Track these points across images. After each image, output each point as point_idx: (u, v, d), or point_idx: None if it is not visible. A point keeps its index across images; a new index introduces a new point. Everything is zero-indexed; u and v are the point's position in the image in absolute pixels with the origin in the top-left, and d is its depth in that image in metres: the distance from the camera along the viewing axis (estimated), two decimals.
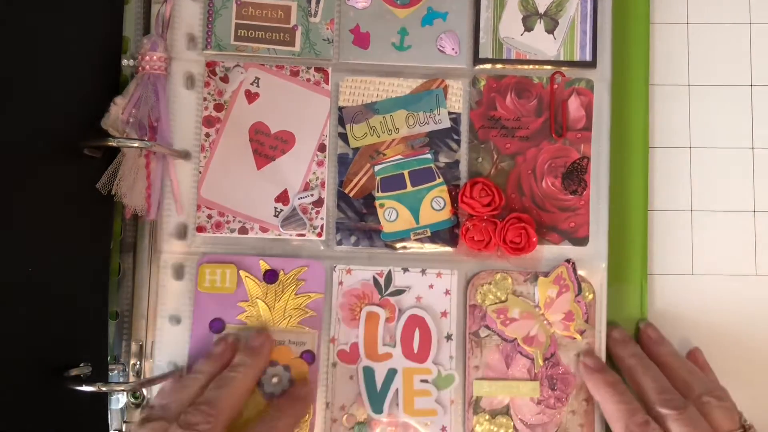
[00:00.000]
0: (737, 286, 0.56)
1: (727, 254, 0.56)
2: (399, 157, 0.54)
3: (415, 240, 0.54)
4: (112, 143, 0.47)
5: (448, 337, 0.53)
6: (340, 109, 0.54)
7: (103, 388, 0.47)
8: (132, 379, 0.52)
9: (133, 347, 0.52)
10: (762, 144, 0.57)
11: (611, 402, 0.49)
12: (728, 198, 0.56)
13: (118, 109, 0.49)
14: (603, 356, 0.53)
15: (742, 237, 0.56)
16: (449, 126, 0.54)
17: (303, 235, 0.53)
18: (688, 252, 0.56)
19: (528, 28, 0.55)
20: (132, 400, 0.52)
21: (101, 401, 0.52)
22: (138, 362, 0.52)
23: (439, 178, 0.54)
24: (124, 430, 0.52)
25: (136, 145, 0.48)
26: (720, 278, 0.56)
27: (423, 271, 0.53)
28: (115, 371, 0.52)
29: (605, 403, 0.50)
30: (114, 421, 0.52)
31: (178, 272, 0.53)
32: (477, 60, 0.55)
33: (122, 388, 0.47)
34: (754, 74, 0.57)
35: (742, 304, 0.56)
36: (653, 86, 0.57)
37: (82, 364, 0.50)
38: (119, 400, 0.53)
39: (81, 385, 0.47)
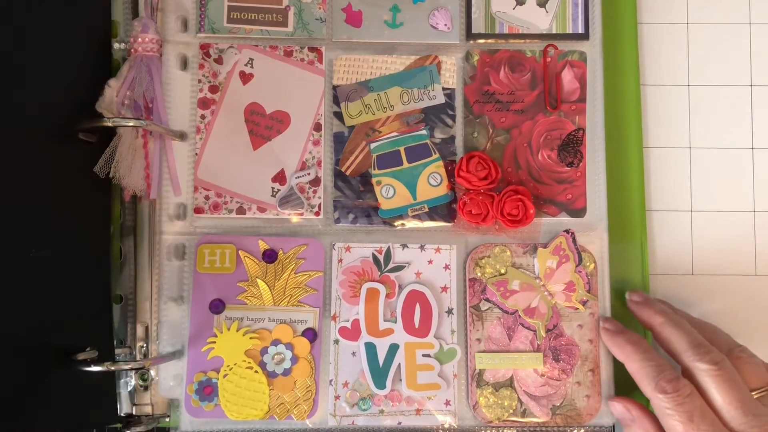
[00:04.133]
0: (737, 286, 0.56)
1: (727, 253, 0.56)
2: (394, 134, 0.54)
3: (413, 216, 0.54)
4: (108, 123, 0.47)
5: (449, 312, 0.53)
6: (335, 87, 0.54)
7: (112, 367, 0.47)
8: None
9: (139, 330, 0.52)
10: (762, 144, 0.56)
11: (637, 360, 0.48)
12: (728, 198, 0.56)
13: (113, 91, 0.49)
14: None
15: (742, 237, 0.56)
16: (444, 102, 0.54)
17: (301, 214, 0.53)
18: (688, 252, 0.56)
19: (520, 2, 0.55)
20: (140, 382, 0.52)
21: (110, 385, 0.52)
22: (144, 344, 0.52)
23: (435, 153, 0.54)
24: (134, 412, 0.52)
25: (131, 124, 0.48)
26: (720, 278, 0.56)
27: (422, 247, 0.53)
28: (122, 354, 0.52)
29: (631, 362, 0.49)
30: (123, 405, 0.52)
31: (180, 253, 0.53)
32: (470, 35, 0.55)
33: (130, 366, 0.47)
34: (754, 74, 0.57)
35: (742, 304, 0.55)
36: (653, 86, 0.57)
37: (88, 349, 0.50)
38: (128, 384, 0.52)
39: (90, 366, 0.47)
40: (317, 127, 0.54)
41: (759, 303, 0.56)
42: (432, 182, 0.54)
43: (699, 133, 0.56)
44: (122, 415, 0.52)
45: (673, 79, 0.57)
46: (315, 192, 0.54)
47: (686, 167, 0.57)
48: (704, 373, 0.46)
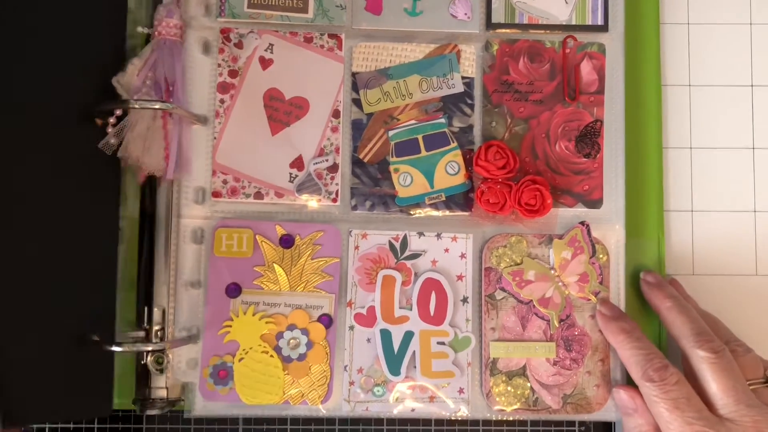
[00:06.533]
0: (737, 286, 0.56)
1: (728, 253, 0.56)
2: (413, 122, 0.54)
3: (430, 204, 0.54)
4: (135, 106, 0.47)
5: (464, 300, 0.53)
6: (354, 74, 0.54)
7: (132, 348, 0.47)
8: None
9: (156, 313, 0.52)
10: (762, 144, 0.57)
11: (628, 348, 0.49)
12: (728, 198, 0.56)
13: (135, 68, 0.49)
14: None
15: (742, 237, 0.56)
16: (462, 90, 0.54)
17: (318, 200, 0.53)
18: (689, 252, 0.56)
19: None
20: (156, 365, 0.52)
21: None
22: (161, 328, 0.52)
23: (453, 142, 0.54)
24: (149, 395, 0.52)
25: (158, 106, 0.48)
26: (720, 278, 0.56)
27: (438, 235, 0.54)
28: (137, 338, 0.52)
29: (622, 350, 0.50)
30: (138, 389, 0.52)
31: (197, 237, 0.53)
32: (489, 25, 0.55)
33: (150, 348, 0.48)
34: (755, 74, 0.57)
35: (743, 304, 0.56)
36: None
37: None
38: (142, 367, 0.52)
39: (111, 346, 0.47)
40: (336, 114, 0.54)
41: (759, 303, 0.56)
42: (449, 171, 0.54)
43: (699, 133, 0.57)
44: (139, 398, 0.52)
45: (673, 80, 0.57)
46: (333, 178, 0.54)
47: (687, 167, 0.57)
48: (702, 360, 0.47)
